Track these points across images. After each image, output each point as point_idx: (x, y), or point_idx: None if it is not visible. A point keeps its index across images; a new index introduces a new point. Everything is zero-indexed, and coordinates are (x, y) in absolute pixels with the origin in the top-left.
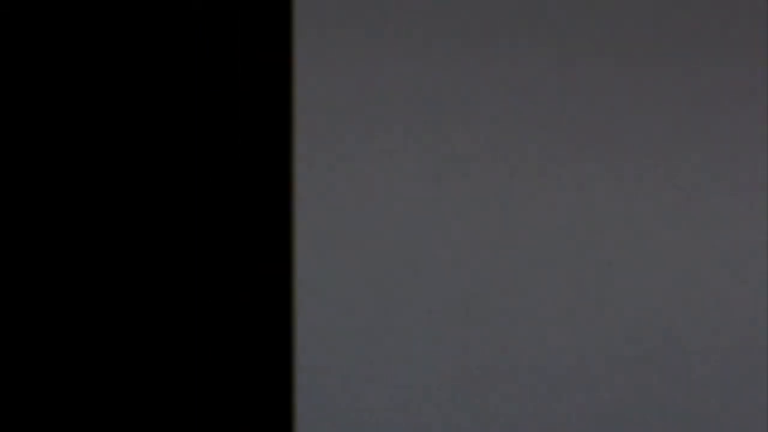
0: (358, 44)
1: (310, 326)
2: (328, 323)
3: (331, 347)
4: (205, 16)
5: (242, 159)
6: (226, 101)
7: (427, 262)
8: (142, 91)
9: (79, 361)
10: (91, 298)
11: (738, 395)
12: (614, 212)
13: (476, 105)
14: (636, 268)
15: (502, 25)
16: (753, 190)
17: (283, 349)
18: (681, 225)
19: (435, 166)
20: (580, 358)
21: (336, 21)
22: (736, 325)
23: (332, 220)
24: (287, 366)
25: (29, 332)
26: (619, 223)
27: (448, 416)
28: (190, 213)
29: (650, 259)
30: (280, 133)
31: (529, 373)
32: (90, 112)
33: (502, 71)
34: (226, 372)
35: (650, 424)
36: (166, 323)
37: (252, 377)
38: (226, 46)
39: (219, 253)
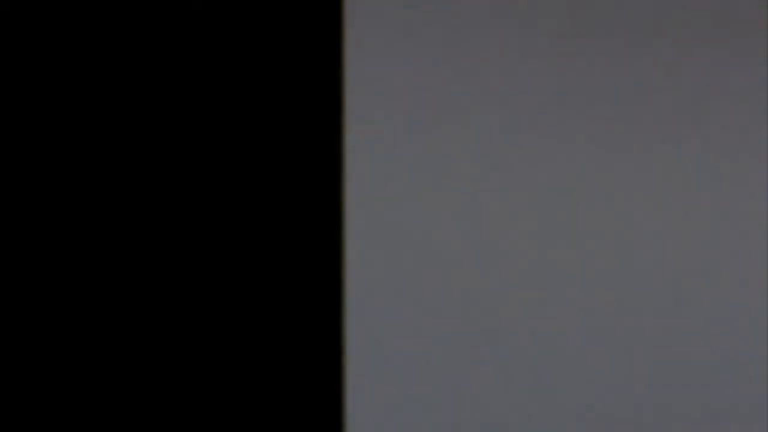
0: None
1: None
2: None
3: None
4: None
5: (292, 155)
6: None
7: (427, 260)
8: (191, 90)
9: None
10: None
11: (738, 395)
12: (614, 212)
13: (475, 105)
14: (635, 267)
15: (502, 24)
16: (753, 190)
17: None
18: (681, 225)
19: (439, 168)
20: (579, 356)
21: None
22: (736, 325)
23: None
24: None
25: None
26: (618, 223)
27: (446, 415)
28: (238, 217)
29: (650, 259)
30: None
31: (527, 372)
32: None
33: (502, 70)
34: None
35: (650, 424)
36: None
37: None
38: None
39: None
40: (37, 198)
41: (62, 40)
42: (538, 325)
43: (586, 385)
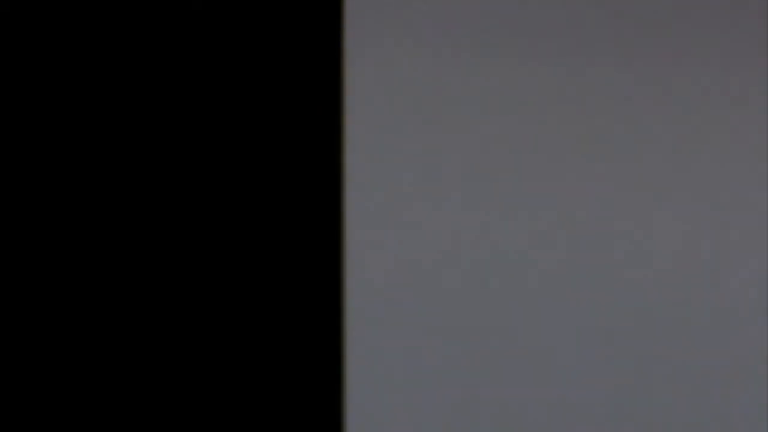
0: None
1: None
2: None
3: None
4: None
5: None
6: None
7: (428, 260)
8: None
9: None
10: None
11: (738, 395)
12: (613, 212)
13: (475, 105)
14: (635, 267)
15: (501, 25)
16: (753, 190)
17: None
18: (681, 224)
19: (436, 167)
20: (578, 356)
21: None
22: (736, 324)
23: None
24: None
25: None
26: (618, 223)
27: (445, 414)
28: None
29: (650, 259)
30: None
31: (527, 372)
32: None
33: (504, 70)
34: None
35: (649, 424)
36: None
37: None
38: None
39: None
40: (36, 198)
41: (62, 40)
42: (540, 326)
43: (586, 386)
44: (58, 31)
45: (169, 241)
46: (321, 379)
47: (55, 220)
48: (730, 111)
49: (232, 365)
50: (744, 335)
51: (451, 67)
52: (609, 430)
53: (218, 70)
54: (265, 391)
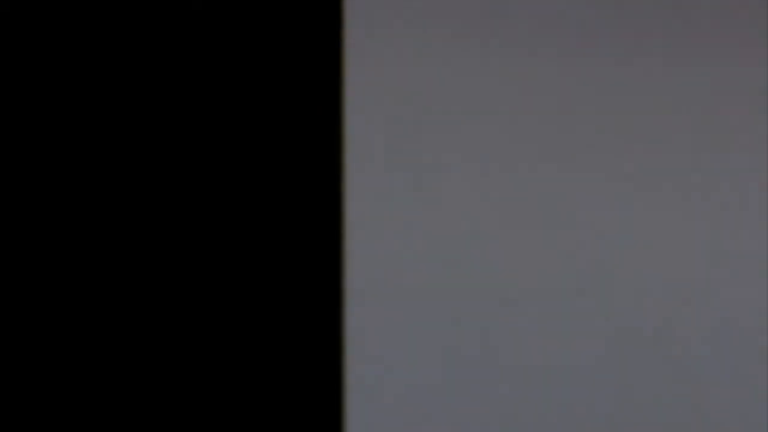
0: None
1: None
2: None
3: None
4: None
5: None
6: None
7: (428, 262)
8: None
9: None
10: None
11: (738, 395)
12: (614, 212)
13: (475, 105)
14: (635, 267)
15: (501, 25)
16: (753, 190)
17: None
18: (681, 224)
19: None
20: (579, 357)
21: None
22: (736, 325)
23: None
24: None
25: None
26: (618, 223)
27: (445, 415)
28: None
29: (650, 259)
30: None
31: (527, 373)
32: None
33: (503, 70)
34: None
35: (649, 424)
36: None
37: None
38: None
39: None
40: (37, 198)
41: (62, 40)
42: (540, 326)
43: (586, 386)
44: (59, 31)
45: (169, 241)
46: (321, 380)
47: (59, 221)
48: (730, 111)
49: (233, 366)
50: (744, 336)
51: (450, 67)
52: (609, 430)
53: (218, 70)
54: (265, 392)
